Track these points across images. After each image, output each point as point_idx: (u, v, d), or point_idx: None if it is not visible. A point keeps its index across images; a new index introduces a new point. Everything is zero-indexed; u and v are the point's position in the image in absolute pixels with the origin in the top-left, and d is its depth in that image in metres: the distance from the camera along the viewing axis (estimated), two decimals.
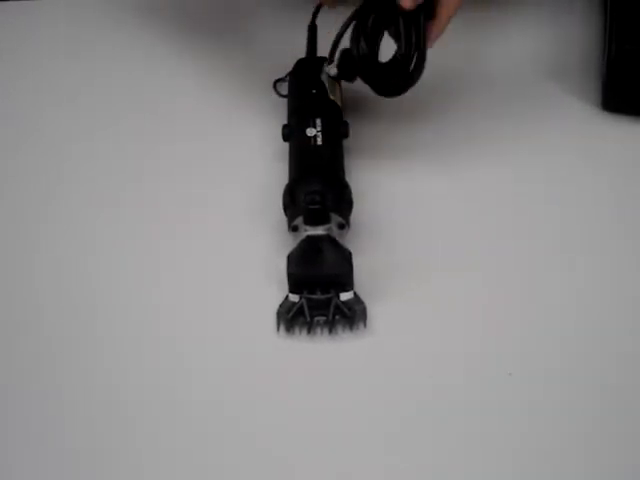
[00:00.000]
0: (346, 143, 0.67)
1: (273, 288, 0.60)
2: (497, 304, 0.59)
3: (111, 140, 0.72)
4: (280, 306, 0.58)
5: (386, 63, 0.65)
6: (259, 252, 0.62)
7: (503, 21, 0.80)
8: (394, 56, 0.65)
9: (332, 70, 0.67)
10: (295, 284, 0.58)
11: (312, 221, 0.58)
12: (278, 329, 0.58)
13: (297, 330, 0.58)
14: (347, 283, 0.58)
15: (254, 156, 0.69)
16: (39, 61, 0.80)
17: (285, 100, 0.71)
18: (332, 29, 0.70)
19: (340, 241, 0.59)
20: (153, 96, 0.76)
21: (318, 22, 0.72)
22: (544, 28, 0.79)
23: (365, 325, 0.58)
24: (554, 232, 0.64)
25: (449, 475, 0.52)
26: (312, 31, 0.73)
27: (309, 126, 0.65)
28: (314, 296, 0.58)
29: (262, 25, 0.82)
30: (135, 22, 0.84)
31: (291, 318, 0.58)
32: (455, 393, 0.55)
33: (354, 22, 0.64)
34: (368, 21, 0.64)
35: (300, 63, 0.72)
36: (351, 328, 0.58)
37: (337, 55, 0.67)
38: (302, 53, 0.73)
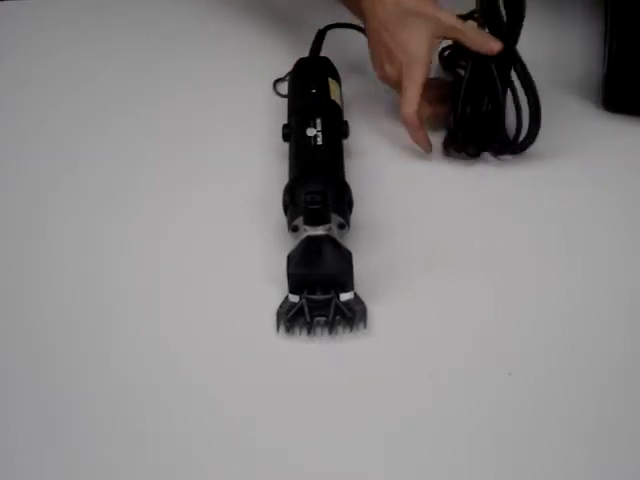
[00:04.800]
0: (346, 143, 0.67)
1: (273, 288, 0.60)
2: (497, 304, 0.59)
3: (111, 140, 0.72)
4: (280, 306, 0.58)
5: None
6: (259, 252, 0.62)
7: None
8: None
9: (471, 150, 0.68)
10: (295, 284, 0.58)
11: (312, 221, 0.58)
12: (278, 329, 0.58)
13: (297, 330, 0.58)
14: (347, 283, 0.58)
15: (254, 156, 0.70)
16: (39, 61, 0.81)
17: (285, 100, 0.71)
18: (335, 31, 0.70)
19: (340, 241, 0.59)
20: (153, 96, 0.76)
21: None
22: (544, 28, 0.79)
23: (365, 325, 0.58)
24: (554, 232, 0.64)
25: (449, 475, 0.51)
26: (320, 35, 0.73)
27: (309, 126, 0.65)
28: (314, 296, 0.58)
29: (262, 25, 0.82)
30: (134, 23, 0.84)
31: (291, 318, 0.58)
32: (455, 393, 0.55)
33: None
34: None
35: (300, 63, 0.72)
36: (351, 328, 0.58)
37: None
38: (302, 53, 0.73)
